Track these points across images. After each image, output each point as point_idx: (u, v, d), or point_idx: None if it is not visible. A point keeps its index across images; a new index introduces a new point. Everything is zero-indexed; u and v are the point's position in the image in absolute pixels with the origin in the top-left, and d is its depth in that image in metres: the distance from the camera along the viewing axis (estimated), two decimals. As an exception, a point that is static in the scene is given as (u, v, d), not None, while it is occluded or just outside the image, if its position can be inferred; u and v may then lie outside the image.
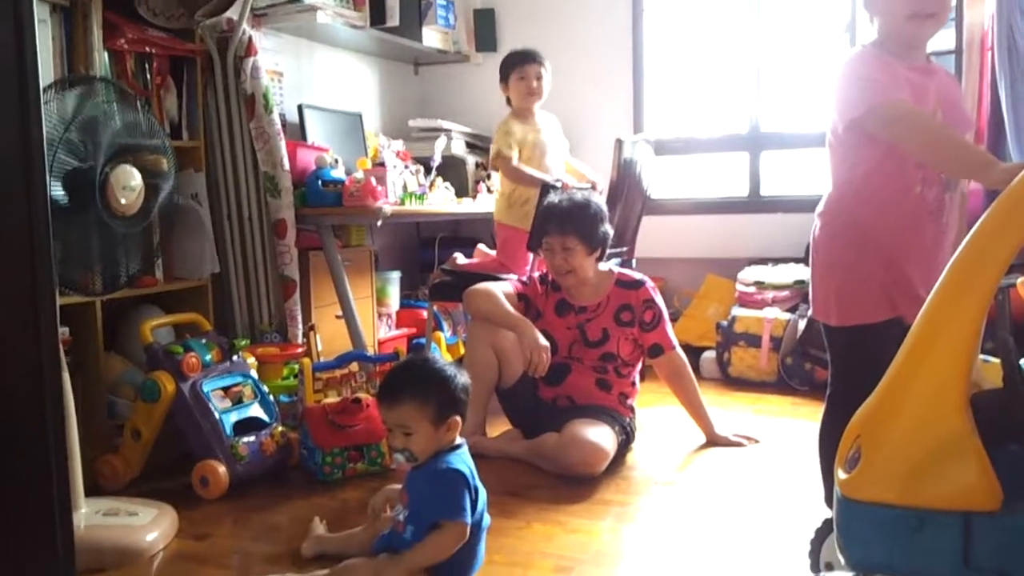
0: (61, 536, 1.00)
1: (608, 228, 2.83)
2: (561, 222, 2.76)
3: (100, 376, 2.64)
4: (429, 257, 4.49)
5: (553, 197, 2.90)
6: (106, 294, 2.16)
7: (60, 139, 1.87)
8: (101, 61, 2.60)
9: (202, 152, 3.05)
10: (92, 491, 2.31)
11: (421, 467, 1.84)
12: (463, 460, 1.85)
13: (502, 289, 2.84)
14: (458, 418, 1.84)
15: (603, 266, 2.89)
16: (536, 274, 3.00)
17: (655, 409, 3.28)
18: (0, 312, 1.10)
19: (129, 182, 1.98)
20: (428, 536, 1.77)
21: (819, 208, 1.95)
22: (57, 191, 1.89)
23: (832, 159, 1.93)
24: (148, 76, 2.86)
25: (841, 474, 1.36)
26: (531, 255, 3.26)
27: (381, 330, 3.88)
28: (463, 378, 1.88)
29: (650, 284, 2.87)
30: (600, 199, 2.95)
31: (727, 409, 3.35)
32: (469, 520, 1.77)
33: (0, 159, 1.14)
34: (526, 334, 2.67)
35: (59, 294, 2.28)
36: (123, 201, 1.96)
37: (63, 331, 2.46)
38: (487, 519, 1.88)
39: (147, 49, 2.82)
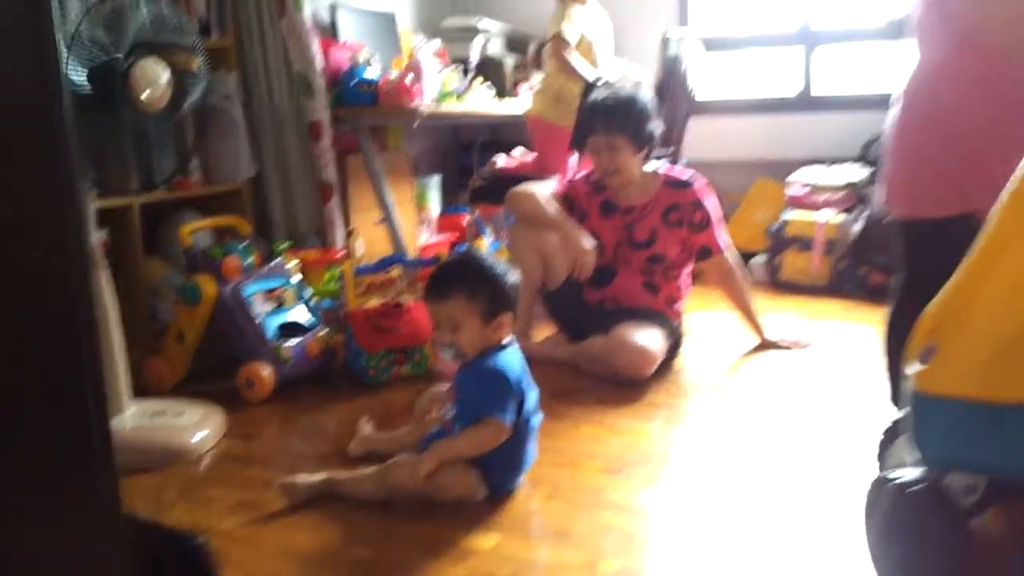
0: (98, 436, 0.95)
1: (655, 125, 2.70)
2: (607, 120, 2.63)
3: (141, 279, 2.62)
4: (468, 163, 4.39)
5: (597, 94, 2.77)
6: (143, 192, 2.11)
7: (78, 29, 1.79)
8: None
9: (233, 52, 2.95)
10: (139, 394, 2.31)
11: (469, 365, 1.80)
12: (512, 359, 1.80)
13: (545, 190, 2.75)
14: (508, 316, 1.79)
15: (650, 166, 2.78)
16: (580, 174, 2.90)
17: (704, 314, 3.20)
18: (19, 208, 1.03)
19: (154, 76, 1.91)
20: (466, 429, 1.75)
21: (898, 91, 1.82)
22: (81, 80, 1.82)
23: (916, 39, 1.79)
24: (176, -29, 2.75)
25: (914, 368, 1.28)
26: (573, 155, 3.15)
27: (421, 236, 3.83)
28: (514, 276, 1.83)
29: (700, 184, 2.76)
30: (647, 95, 2.81)
31: (778, 315, 3.25)
32: (508, 420, 1.74)
33: (9, 45, 1.06)
34: (571, 235, 2.58)
35: (97, 196, 2.24)
36: (147, 94, 1.88)
37: (102, 234, 2.42)
38: (538, 417, 1.84)
39: (173, -58, 2.71)
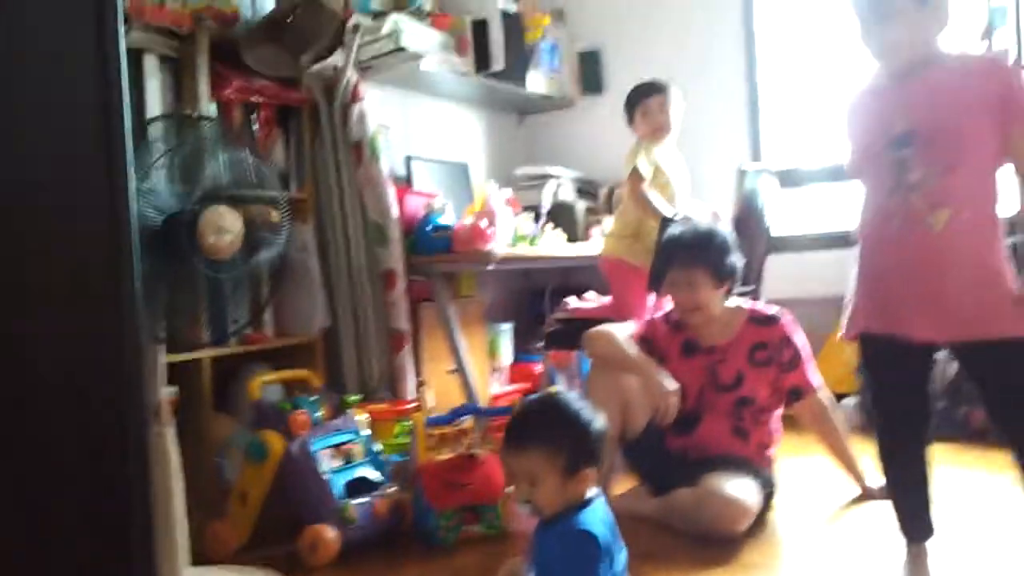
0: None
1: (736, 259, 2.59)
2: (686, 254, 2.54)
3: (209, 438, 2.56)
4: (540, 309, 4.32)
5: (675, 228, 2.69)
6: (215, 346, 2.07)
7: (150, 179, 1.80)
8: (208, 111, 2.58)
9: (311, 203, 2.99)
10: (201, 560, 2.19)
11: (550, 524, 1.65)
12: (597, 517, 1.64)
13: (623, 331, 2.63)
14: (591, 471, 1.64)
15: (732, 302, 2.65)
16: (658, 314, 2.78)
17: (796, 459, 2.97)
18: (82, 364, 0.97)
19: (223, 223, 1.89)
20: None
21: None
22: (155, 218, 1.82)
23: None
24: (254, 127, 2.83)
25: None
26: (650, 296, 3.03)
27: (493, 386, 3.72)
28: (600, 422, 1.68)
29: (787, 319, 2.61)
30: (725, 227, 2.71)
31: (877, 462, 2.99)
32: None
33: (87, 192, 1.04)
34: (652, 377, 2.44)
35: (168, 350, 2.21)
36: (212, 241, 1.86)
37: (172, 391, 2.38)
38: (626, 580, 1.66)
39: (254, 98, 2.79)
